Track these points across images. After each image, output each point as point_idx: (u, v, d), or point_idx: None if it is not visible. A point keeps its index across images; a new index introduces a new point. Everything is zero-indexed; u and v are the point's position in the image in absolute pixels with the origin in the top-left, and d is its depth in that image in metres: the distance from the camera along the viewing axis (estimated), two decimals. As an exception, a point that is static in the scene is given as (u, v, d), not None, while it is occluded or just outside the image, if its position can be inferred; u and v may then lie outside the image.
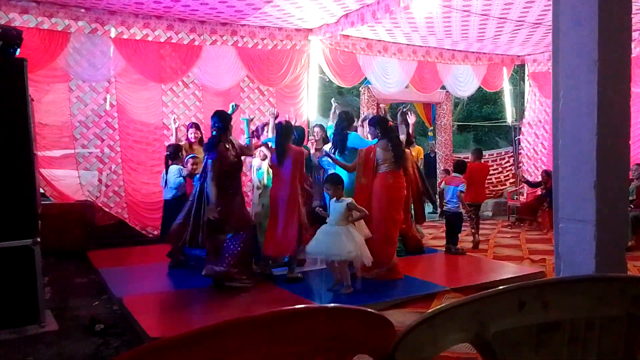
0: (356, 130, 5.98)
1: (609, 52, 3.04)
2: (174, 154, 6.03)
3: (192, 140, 6.42)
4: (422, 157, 10.81)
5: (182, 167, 5.91)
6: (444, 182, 7.10)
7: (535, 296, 0.83)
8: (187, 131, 6.60)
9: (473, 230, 7.12)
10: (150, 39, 7.42)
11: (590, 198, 3.29)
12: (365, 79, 9.44)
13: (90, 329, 3.95)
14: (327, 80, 9.42)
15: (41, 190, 6.45)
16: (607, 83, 3.12)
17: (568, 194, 3.40)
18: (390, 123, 5.59)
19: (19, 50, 4.16)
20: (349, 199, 4.70)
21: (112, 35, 7.18)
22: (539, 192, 9.06)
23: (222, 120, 4.86)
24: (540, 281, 0.88)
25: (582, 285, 0.87)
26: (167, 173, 6.02)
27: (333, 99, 7.08)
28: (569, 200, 3.40)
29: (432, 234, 8.26)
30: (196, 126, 6.63)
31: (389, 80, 9.38)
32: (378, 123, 5.42)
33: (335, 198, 4.71)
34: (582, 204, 3.31)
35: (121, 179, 7.39)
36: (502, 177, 11.07)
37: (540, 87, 10.45)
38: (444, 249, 6.64)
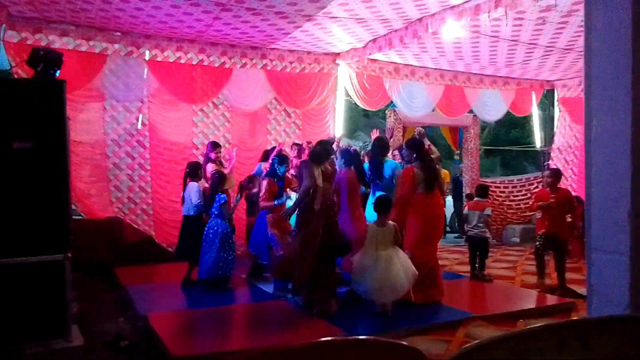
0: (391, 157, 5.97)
1: (644, 79, 2.98)
2: (193, 171, 6.04)
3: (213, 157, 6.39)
4: (449, 180, 10.75)
5: (199, 185, 5.94)
6: (467, 207, 7.00)
7: (575, 335, 0.81)
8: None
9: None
10: (182, 61, 7.64)
11: (625, 228, 3.18)
12: (391, 101, 9.46)
13: (115, 345, 3.99)
14: (354, 102, 9.48)
15: (72, 207, 6.61)
16: (642, 111, 3.06)
17: (601, 223, 3.30)
18: (427, 147, 5.61)
19: (58, 71, 4.33)
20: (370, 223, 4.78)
21: (147, 57, 7.42)
22: (569, 219, 8.82)
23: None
24: (580, 320, 0.86)
25: (622, 325, 0.85)
26: (184, 190, 6.07)
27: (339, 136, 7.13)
28: (602, 230, 3.30)
29: (458, 259, 8.12)
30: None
31: (414, 104, 9.38)
32: (414, 146, 5.44)
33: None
34: (616, 234, 3.21)
35: (150, 196, 7.54)
36: (530, 202, 10.83)
37: (571, 113, 10.29)
38: (469, 275, 6.51)
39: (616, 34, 3.24)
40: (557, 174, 6.35)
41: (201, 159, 6.85)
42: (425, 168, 5.25)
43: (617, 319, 0.88)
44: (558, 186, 6.18)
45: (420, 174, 5.20)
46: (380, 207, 4.85)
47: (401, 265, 4.62)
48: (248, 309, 5.19)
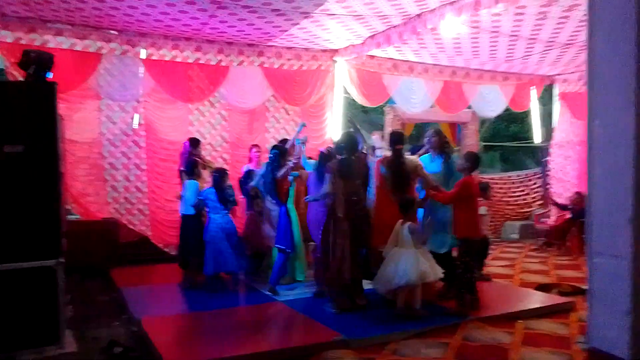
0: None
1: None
2: (190, 169, 5.98)
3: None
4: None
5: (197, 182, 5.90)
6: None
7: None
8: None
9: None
10: (178, 59, 7.55)
11: (626, 233, 3.14)
12: (391, 98, 9.38)
13: (109, 352, 3.94)
14: (352, 99, 9.40)
15: (68, 208, 6.54)
16: (645, 113, 3.00)
17: (602, 227, 3.25)
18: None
19: (50, 73, 4.26)
20: None
21: (143, 56, 7.33)
22: (569, 215, 8.78)
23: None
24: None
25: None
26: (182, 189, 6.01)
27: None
28: (603, 234, 3.25)
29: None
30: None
31: (414, 100, 9.30)
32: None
33: None
34: (617, 238, 3.16)
35: (146, 196, 7.47)
36: (529, 198, 10.77)
37: (571, 108, 10.20)
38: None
39: (619, 34, 3.17)
40: (470, 159, 4.89)
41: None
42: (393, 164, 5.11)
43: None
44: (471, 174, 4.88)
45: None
46: (400, 207, 4.85)
47: (403, 263, 4.57)
48: (245, 312, 5.14)
